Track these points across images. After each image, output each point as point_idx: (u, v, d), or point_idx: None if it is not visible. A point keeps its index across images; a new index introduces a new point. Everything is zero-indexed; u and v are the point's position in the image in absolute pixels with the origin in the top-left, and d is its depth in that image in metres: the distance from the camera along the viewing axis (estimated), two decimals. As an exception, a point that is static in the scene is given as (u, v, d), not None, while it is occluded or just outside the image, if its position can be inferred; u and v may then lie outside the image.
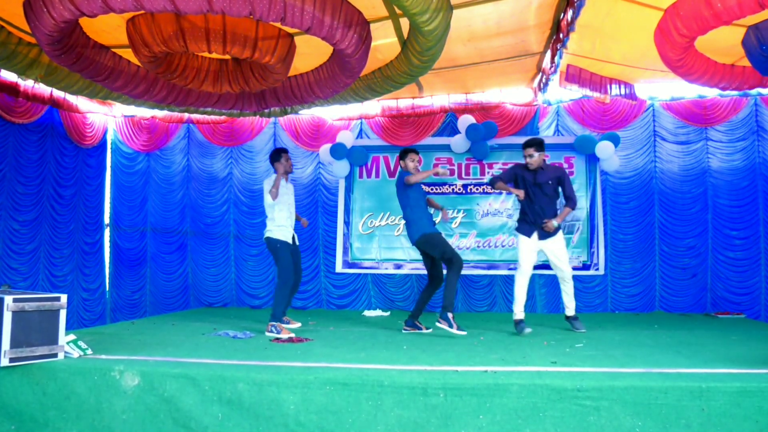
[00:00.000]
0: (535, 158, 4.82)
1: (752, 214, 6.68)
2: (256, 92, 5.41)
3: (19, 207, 6.48)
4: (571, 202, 4.88)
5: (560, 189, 4.94)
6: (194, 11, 3.49)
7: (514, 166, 5.08)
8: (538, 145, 4.83)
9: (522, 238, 4.90)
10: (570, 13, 4.38)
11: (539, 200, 4.84)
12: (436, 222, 5.21)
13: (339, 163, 7.13)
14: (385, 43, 4.76)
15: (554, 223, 4.78)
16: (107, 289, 7.70)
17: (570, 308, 5.00)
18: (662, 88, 6.73)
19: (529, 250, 4.86)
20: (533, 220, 4.86)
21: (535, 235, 4.85)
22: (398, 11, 4.16)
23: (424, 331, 4.89)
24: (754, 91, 6.34)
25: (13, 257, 6.41)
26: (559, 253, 4.88)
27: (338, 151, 7.02)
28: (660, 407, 2.67)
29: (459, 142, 6.94)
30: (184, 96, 5.30)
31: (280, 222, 5.08)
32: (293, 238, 5.20)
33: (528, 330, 4.70)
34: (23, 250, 6.53)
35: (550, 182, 4.85)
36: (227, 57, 4.84)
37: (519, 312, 4.84)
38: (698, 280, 6.77)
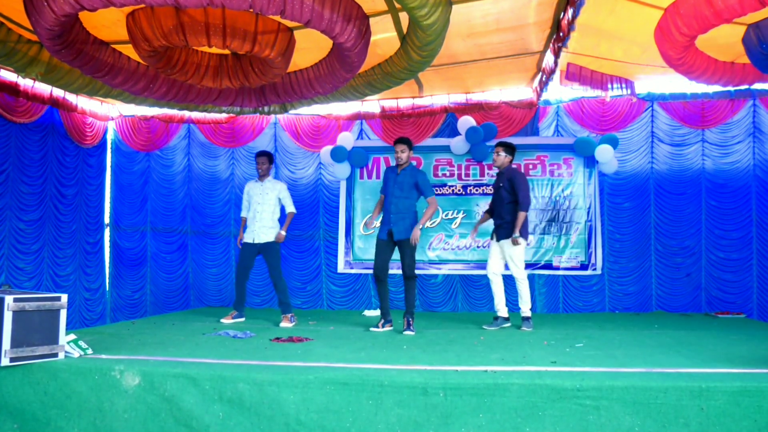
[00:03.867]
0: (500, 157, 5.12)
1: (745, 215, 6.74)
2: (256, 88, 5.43)
3: (24, 207, 6.49)
4: (521, 205, 5.00)
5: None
6: (194, 5, 3.50)
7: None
8: (508, 147, 5.16)
9: (491, 243, 5.29)
10: (570, 12, 4.39)
11: (495, 202, 5.19)
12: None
13: (340, 165, 7.14)
14: (384, 37, 4.77)
15: (516, 236, 4.95)
16: (107, 288, 7.71)
17: (522, 310, 5.16)
18: (662, 83, 6.74)
19: (493, 252, 5.22)
20: (494, 221, 5.23)
21: (494, 237, 5.19)
22: (397, 5, 4.17)
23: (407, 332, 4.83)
24: (754, 87, 6.29)
25: (20, 257, 6.42)
26: (513, 255, 5.07)
27: (338, 153, 7.03)
28: (659, 407, 2.67)
29: (459, 144, 6.94)
30: (184, 92, 5.31)
31: (250, 224, 5.59)
32: (256, 236, 5.52)
33: (490, 328, 5.04)
34: (29, 250, 6.54)
35: (501, 185, 5.10)
36: (227, 52, 4.86)
37: (498, 309, 5.20)
38: (692, 280, 6.82)
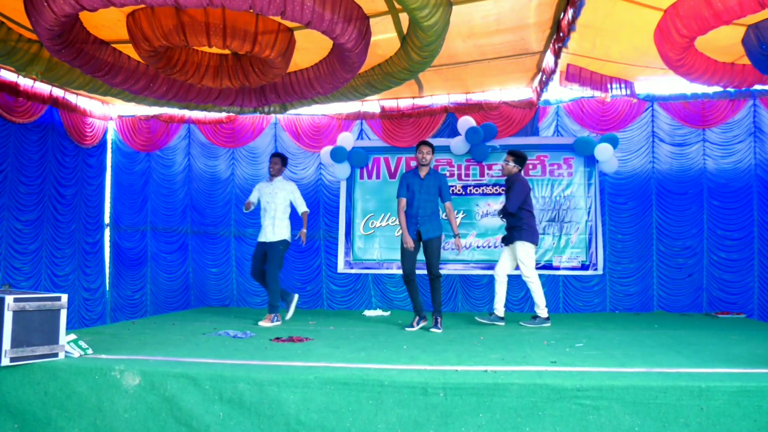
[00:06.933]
0: (508, 166, 5.35)
1: (747, 215, 6.73)
2: (256, 88, 5.44)
3: (21, 207, 6.48)
4: (505, 207, 5.35)
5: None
6: (194, 5, 3.50)
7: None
8: (519, 157, 5.36)
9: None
10: (570, 12, 4.39)
11: (504, 208, 5.40)
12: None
13: (340, 166, 7.14)
14: (384, 38, 4.77)
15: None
16: (107, 288, 7.71)
17: (537, 310, 5.35)
18: (662, 84, 6.75)
19: (503, 255, 5.45)
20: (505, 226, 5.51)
21: (505, 241, 5.44)
22: (398, 6, 4.17)
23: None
24: (754, 88, 6.28)
25: (17, 257, 6.42)
26: (521, 257, 5.27)
27: (338, 154, 7.03)
28: (659, 406, 2.67)
29: (459, 144, 6.94)
30: (184, 92, 5.31)
31: (262, 223, 5.68)
32: (266, 235, 5.60)
33: (482, 320, 5.30)
34: (26, 250, 6.54)
35: (504, 190, 5.38)
36: (227, 52, 4.86)
37: (497, 309, 5.37)
38: (694, 280, 6.81)
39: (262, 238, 5.61)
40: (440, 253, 5.16)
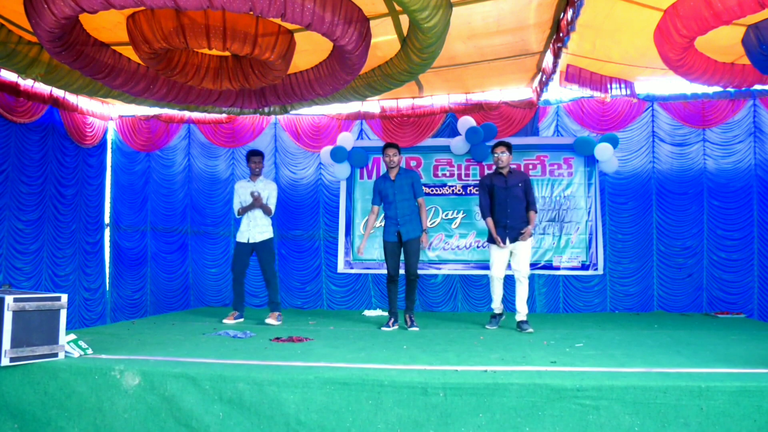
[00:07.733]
0: (507, 157, 5.06)
1: (747, 215, 6.74)
2: (256, 89, 5.43)
3: (22, 207, 6.48)
4: (532, 206, 5.12)
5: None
6: (194, 7, 3.50)
7: (481, 181, 5.29)
8: (509, 147, 5.14)
9: (493, 247, 5.11)
10: (570, 12, 4.39)
11: (511, 203, 5.06)
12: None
13: (340, 166, 7.14)
14: (384, 40, 4.77)
15: (531, 230, 5.03)
16: (107, 288, 7.71)
17: (520, 314, 5.00)
18: (662, 84, 6.75)
19: (499, 257, 5.08)
20: (504, 223, 5.04)
21: (507, 240, 5.04)
22: (398, 8, 4.17)
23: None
24: (754, 88, 6.27)
25: (18, 257, 6.42)
26: (523, 252, 5.03)
27: (338, 153, 7.04)
28: (659, 406, 2.67)
29: (459, 144, 6.95)
30: (184, 93, 5.31)
31: (242, 223, 5.63)
32: (251, 236, 5.54)
33: (492, 327, 5.10)
34: (27, 250, 6.53)
35: (520, 185, 5.09)
36: (227, 54, 4.86)
37: (496, 308, 5.26)
38: (694, 280, 6.82)
39: (247, 240, 5.54)
40: (419, 254, 5.20)
